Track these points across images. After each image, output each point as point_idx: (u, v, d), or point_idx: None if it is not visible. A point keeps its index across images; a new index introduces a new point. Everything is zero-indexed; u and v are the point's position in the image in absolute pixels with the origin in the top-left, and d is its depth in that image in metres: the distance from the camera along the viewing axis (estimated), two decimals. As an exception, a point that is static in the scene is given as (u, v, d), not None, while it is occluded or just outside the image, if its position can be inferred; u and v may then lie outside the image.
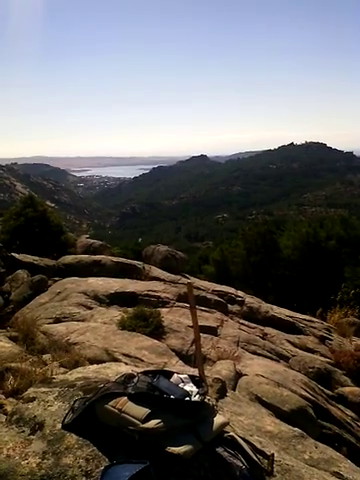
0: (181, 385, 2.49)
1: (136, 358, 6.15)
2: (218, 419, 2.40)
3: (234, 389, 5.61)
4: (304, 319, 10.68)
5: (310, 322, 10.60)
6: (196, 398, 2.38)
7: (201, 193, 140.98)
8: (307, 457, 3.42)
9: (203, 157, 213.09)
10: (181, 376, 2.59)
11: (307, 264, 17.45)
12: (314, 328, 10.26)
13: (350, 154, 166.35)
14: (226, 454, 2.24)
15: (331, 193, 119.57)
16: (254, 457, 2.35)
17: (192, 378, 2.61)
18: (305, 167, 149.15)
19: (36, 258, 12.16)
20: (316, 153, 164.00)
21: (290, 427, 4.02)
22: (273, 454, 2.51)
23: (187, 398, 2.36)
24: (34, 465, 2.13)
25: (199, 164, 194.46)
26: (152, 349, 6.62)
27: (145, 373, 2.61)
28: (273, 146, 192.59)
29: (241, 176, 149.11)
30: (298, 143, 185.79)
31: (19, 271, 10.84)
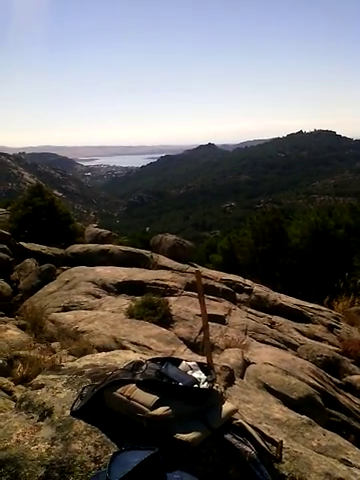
0: (189, 372, 2.49)
1: (144, 346, 6.18)
2: (226, 406, 2.40)
3: (242, 377, 5.62)
4: (312, 308, 10.64)
5: (318, 311, 10.56)
6: (204, 385, 2.38)
7: (209, 182, 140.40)
8: (315, 444, 3.42)
9: (211, 145, 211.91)
10: (189, 363, 2.59)
11: (315, 253, 17.35)
12: (322, 317, 10.22)
13: (359, 142, 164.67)
14: (235, 441, 2.24)
15: (340, 181, 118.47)
16: (263, 444, 2.35)
17: (200, 365, 2.60)
18: (314, 155, 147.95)
19: (44, 247, 12.21)
20: (325, 141, 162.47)
21: (298, 415, 4.02)
22: (282, 441, 2.51)
23: (195, 385, 2.36)
24: (43, 450, 2.15)
25: (207, 153, 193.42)
26: (160, 337, 6.65)
27: (153, 360, 2.61)
28: (282, 134, 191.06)
29: (249, 164, 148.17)
30: (307, 131, 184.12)
31: (27, 260, 10.89)
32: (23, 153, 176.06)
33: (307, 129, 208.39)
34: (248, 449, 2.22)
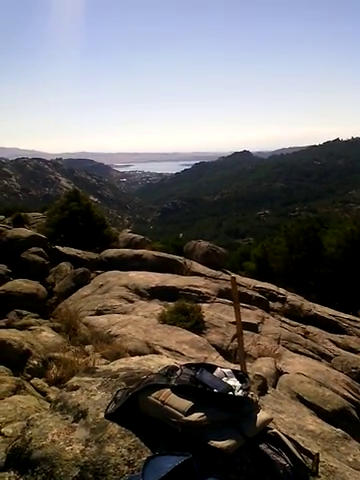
0: (224, 379, 2.46)
1: (176, 352, 6.17)
2: (261, 415, 2.36)
3: (275, 387, 5.54)
4: (348, 319, 10.44)
5: (354, 322, 10.34)
6: (239, 393, 2.35)
7: (243, 189, 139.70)
8: (351, 460, 3.32)
9: (246, 153, 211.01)
10: (224, 370, 2.56)
11: (351, 263, 17.01)
12: (358, 328, 10.02)
13: None
14: (269, 451, 2.20)
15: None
16: (298, 456, 2.29)
17: (235, 373, 2.57)
18: (351, 163, 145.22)
19: (79, 251, 12.40)
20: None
21: (332, 428, 3.92)
22: (318, 454, 2.45)
23: (230, 392, 2.33)
24: (78, 451, 2.17)
25: (242, 160, 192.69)
26: (192, 343, 6.63)
27: (188, 366, 2.59)
28: (318, 142, 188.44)
29: (284, 172, 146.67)
30: (344, 139, 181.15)
31: (63, 263, 11.08)
32: (60, 159, 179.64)
33: (344, 137, 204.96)
34: (283, 461, 2.17)
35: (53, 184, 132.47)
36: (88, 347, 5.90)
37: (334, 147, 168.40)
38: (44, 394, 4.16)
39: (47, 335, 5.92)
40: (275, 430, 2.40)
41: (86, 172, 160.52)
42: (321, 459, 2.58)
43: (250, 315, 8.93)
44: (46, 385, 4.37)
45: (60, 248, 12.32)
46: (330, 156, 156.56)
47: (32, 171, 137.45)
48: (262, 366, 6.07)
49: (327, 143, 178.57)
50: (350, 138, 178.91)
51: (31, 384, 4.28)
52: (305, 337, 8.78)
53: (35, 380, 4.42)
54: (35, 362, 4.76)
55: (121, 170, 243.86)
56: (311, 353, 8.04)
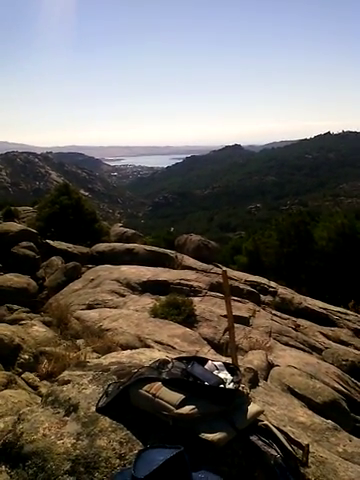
0: (215, 372, 2.47)
1: (168, 345, 6.18)
2: (252, 407, 2.37)
3: (266, 379, 5.57)
4: (338, 311, 10.51)
5: (344, 314, 10.42)
6: (230, 386, 2.36)
7: (234, 183, 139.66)
8: (341, 450, 3.35)
9: (237, 146, 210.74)
10: (216, 363, 2.57)
11: (342, 256, 17.11)
12: (348, 321, 10.08)
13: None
14: (260, 443, 2.21)
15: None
16: (289, 447, 2.31)
17: (226, 366, 2.58)
18: (342, 157, 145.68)
19: (70, 245, 12.36)
20: (353, 143, 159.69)
21: (323, 419, 3.96)
22: (308, 445, 2.47)
23: (222, 385, 2.34)
24: (69, 445, 2.17)
25: (233, 153, 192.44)
26: (184, 337, 6.65)
27: (179, 359, 2.60)
28: (309, 135, 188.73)
29: (275, 166, 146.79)
30: (335, 132, 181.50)
31: (53, 258, 11.04)
32: (50, 152, 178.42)
33: (335, 130, 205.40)
34: (274, 452, 2.19)
35: (43, 178, 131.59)
36: (79, 341, 5.90)
37: (325, 141, 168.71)
38: (35, 388, 4.15)
39: (38, 329, 5.90)
40: (266, 422, 2.42)
41: (77, 166, 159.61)
42: (311, 450, 2.60)
43: (241, 308, 8.96)
44: (37, 379, 4.36)
45: (51, 242, 12.26)
46: (321, 150, 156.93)
47: (22, 165, 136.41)
48: (253, 359, 6.10)
49: (318, 137, 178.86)
50: (341, 131, 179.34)
51: (22, 378, 4.28)
52: (296, 330, 8.83)
53: (26, 374, 4.41)
54: (26, 356, 4.76)
55: (112, 164, 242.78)
56: (302, 346, 8.09)
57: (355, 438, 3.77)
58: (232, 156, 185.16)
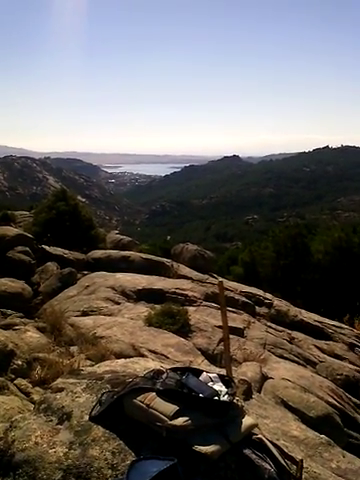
0: (210, 384, 2.46)
1: (162, 355, 6.15)
2: (247, 420, 2.36)
3: (259, 392, 5.55)
4: (333, 325, 10.50)
5: (339, 328, 10.40)
6: (225, 398, 2.34)
7: (232, 193, 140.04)
8: (334, 466, 3.34)
9: (235, 157, 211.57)
10: (210, 375, 2.56)
11: (338, 270, 17.14)
12: (343, 335, 10.06)
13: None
14: (254, 456, 2.20)
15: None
16: (282, 461, 2.30)
17: (221, 377, 2.57)
18: (340, 171, 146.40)
19: (66, 251, 12.32)
20: (352, 157, 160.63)
21: (316, 434, 3.94)
22: (302, 460, 2.45)
23: (216, 397, 2.32)
24: (61, 454, 2.15)
25: (231, 164, 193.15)
26: (178, 347, 6.61)
27: (174, 370, 2.58)
28: (307, 149, 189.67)
29: (273, 178, 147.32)
30: (333, 146, 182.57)
31: (49, 263, 11.00)
32: (48, 158, 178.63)
33: (333, 144, 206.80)
34: (267, 466, 2.18)
35: (41, 183, 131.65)
36: (73, 348, 5.85)
37: (323, 154, 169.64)
38: (28, 395, 4.11)
39: (32, 335, 5.86)
40: (260, 435, 2.40)
41: (74, 172, 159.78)
42: (305, 465, 2.58)
43: (236, 319, 8.93)
44: (30, 386, 4.32)
45: (47, 248, 12.22)
46: (319, 163, 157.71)
47: (20, 169, 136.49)
48: (247, 371, 6.07)
49: (317, 150, 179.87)
50: (340, 146, 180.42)
51: (15, 385, 4.23)
52: (291, 342, 8.81)
53: (19, 381, 4.36)
54: (19, 362, 4.71)
55: (110, 171, 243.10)
56: (296, 359, 8.06)
57: (349, 454, 3.76)
58: (230, 167, 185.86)
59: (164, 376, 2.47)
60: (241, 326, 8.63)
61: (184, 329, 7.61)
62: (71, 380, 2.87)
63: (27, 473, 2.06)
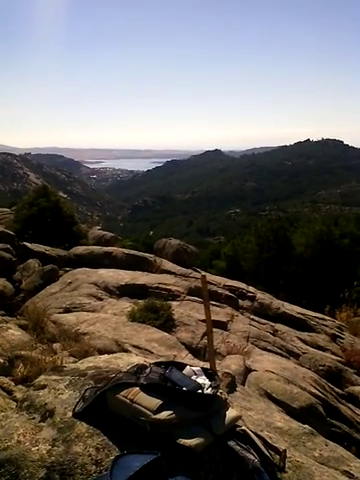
0: (194, 377, 2.46)
1: (146, 350, 6.15)
2: (230, 413, 2.37)
3: (243, 384, 5.58)
4: (316, 317, 10.61)
5: (322, 320, 10.52)
6: (209, 391, 2.35)
7: (214, 188, 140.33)
8: (317, 455, 3.37)
9: (217, 151, 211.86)
10: (194, 368, 2.56)
11: (320, 262, 17.32)
12: (326, 326, 10.19)
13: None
14: (238, 448, 2.21)
15: (346, 191, 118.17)
16: (266, 452, 2.31)
17: (205, 371, 2.57)
18: (321, 164, 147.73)
19: (48, 248, 12.21)
20: (332, 150, 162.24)
21: (300, 424, 3.98)
22: (285, 450, 2.47)
23: (200, 390, 2.33)
24: (44, 452, 2.12)
25: (213, 158, 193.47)
26: (162, 341, 6.62)
27: (157, 364, 2.58)
28: (289, 142, 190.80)
29: (255, 172, 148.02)
30: (314, 140, 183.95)
31: (30, 260, 10.88)
32: (29, 154, 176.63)
33: (315, 138, 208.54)
34: (251, 457, 2.19)
35: (21, 179, 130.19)
36: (56, 345, 5.82)
37: (305, 148, 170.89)
38: (10, 393, 4.07)
39: (13, 333, 5.80)
40: (244, 427, 2.41)
41: (56, 168, 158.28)
42: (288, 455, 2.61)
43: (219, 313, 8.97)
44: (12, 384, 4.28)
45: (28, 244, 12.09)
46: (301, 156, 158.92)
47: (0, 166, 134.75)
48: (231, 364, 6.11)
49: (298, 143, 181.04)
50: (321, 139, 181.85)
51: (-4, 383, 4.19)
52: (274, 335, 8.88)
53: (1, 379, 4.32)
54: (1, 360, 4.67)
55: (91, 166, 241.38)
56: (280, 351, 8.13)
57: (331, 443, 3.80)
58: (212, 161, 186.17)
59: (148, 371, 2.46)
60: (224, 319, 8.67)
61: (168, 324, 7.61)
62: (54, 377, 2.84)
63: (9, 472, 2.03)
